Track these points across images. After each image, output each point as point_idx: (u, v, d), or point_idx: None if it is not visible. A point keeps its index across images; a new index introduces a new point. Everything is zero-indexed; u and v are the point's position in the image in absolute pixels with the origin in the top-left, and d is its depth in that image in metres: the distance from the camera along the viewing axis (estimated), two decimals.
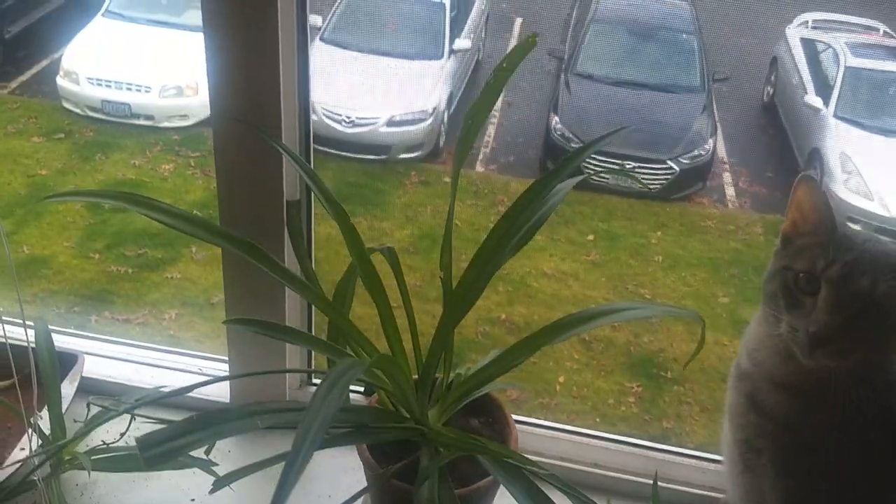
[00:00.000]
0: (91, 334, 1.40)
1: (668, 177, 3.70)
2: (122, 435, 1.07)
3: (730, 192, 3.80)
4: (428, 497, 0.78)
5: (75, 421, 1.13)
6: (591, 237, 3.56)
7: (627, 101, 3.86)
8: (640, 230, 3.65)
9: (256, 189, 1.08)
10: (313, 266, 1.11)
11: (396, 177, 3.72)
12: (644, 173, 3.73)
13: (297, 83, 1.05)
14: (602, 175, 3.61)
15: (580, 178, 0.88)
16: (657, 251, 3.55)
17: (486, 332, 3.11)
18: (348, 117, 3.67)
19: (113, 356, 1.33)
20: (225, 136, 1.06)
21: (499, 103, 4.08)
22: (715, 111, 3.78)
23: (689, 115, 3.77)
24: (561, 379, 2.99)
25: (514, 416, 0.99)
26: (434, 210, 3.53)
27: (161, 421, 1.05)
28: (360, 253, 0.93)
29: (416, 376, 0.94)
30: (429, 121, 3.76)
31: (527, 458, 0.86)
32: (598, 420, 2.84)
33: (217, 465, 0.99)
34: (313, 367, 1.26)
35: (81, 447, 1.09)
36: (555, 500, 0.79)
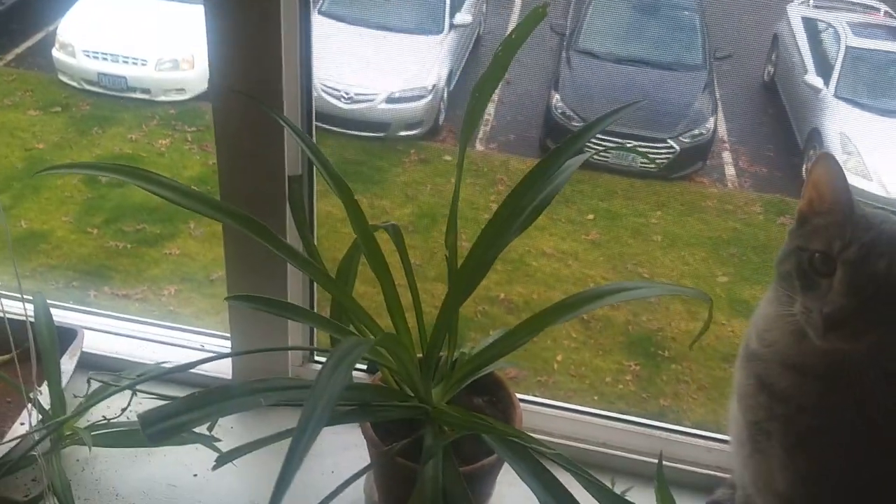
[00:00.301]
0: (91, 309, 1.39)
1: (669, 156, 3.69)
2: (124, 410, 1.06)
3: (730, 171, 3.79)
4: (432, 475, 0.77)
5: (75, 396, 1.13)
6: (590, 216, 3.55)
7: (629, 78, 3.83)
8: (640, 209, 3.64)
9: (257, 164, 1.07)
10: (315, 243, 1.10)
11: (396, 154, 3.70)
12: (644, 152, 3.71)
13: (299, 54, 1.04)
14: (602, 154, 3.60)
15: (586, 156, 0.87)
16: (657, 230, 3.54)
17: (484, 311, 3.10)
18: (347, 93, 3.65)
19: (113, 331, 1.32)
20: (225, 109, 1.04)
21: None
22: (716, 89, 3.76)
23: (691, 94, 3.75)
24: (559, 357, 2.99)
25: (519, 395, 0.98)
26: (433, 188, 3.52)
27: (163, 397, 1.05)
28: (364, 230, 0.92)
29: (420, 355, 0.94)
30: (428, 98, 3.73)
31: (532, 437, 0.86)
32: (595, 398, 2.85)
33: (220, 440, 0.99)
34: (315, 345, 1.26)
35: (82, 422, 1.09)
36: (560, 479, 0.79)
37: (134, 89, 3.71)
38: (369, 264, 0.92)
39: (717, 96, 3.76)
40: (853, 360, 0.72)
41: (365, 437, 0.90)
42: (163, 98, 3.72)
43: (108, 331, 1.32)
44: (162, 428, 0.64)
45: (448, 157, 3.71)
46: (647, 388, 2.90)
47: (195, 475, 1.03)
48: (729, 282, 3.31)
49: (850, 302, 0.70)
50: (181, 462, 1.08)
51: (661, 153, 3.67)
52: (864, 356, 0.72)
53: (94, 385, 1.08)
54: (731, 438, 0.88)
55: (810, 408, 0.76)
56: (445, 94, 3.80)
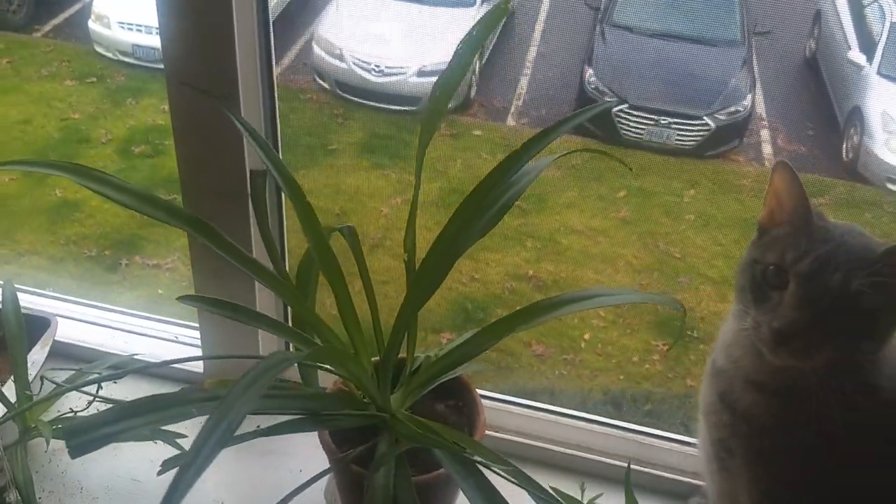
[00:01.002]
0: (66, 297, 1.38)
1: (704, 133, 3.62)
2: (90, 403, 1.06)
3: (767, 149, 3.72)
4: (383, 484, 0.76)
5: (52, 383, 1.11)
6: (622, 194, 3.52)
7: (664, 53, 3.76)
8: (673, 187, 3.59)
9: (217, 157, 1.02)
10: (285, 243, 1.06)
11: None
12: (679, 129, 3.64)
13: (256, 32, 0.99)
14: (636, 130, 3.55)
15: (555, 157, 0.85)
16: (690, 209, 3.50)
17: (513, 287, 3.10)
18: (377, 66, 3.63)
19: (88, 320, 1.31)
20: (179, 97, 0.99)
21: (531, 54, 4.00)
22: (755, 66, 3.67)
23: (728, 70, 3.67)
24: (586, 336, 2.98)
25: (493, 395, 0.97)
26: (464, 163, 3.50)
27: (110, 400, 1.04)
28: (317, 235, 0.89)
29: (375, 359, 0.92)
30: None
31: (486, 451, 0.83)
32: (621, 377, 2.84)
33: (185, 436, 0.98)
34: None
35: (52, 413, 1.08)
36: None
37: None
38: (322, 270, 0.89)
39: (756, 73, 3.67)
40: (808, 376, 0.69)
41: (321, 443, 0.88)
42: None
43: (83, 319, 1.30)
44: (87, 440, 0.64)
45: (478, 132, 3.69)
46: (675, 367, 2.88)
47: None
48: None
49: (802, 316, 0.67)
50: (146, 458, 1.05)
51: (696, 130, 3.60)
52: (819, 373, 0.69)
53: (62, 375, 1.07)
54: (699, 453, 0.86)
55: (770, 426, 0.74)
56: (477, 68, 3.76)
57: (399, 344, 0.89)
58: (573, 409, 2.65)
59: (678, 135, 3.62)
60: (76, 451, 0.62)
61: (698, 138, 3.58)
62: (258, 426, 0.82)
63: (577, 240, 3.31)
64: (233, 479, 1.06)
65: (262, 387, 0.60)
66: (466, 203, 0.83)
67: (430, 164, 3.75)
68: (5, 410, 1.02)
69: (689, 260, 3.30)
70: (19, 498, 0.93)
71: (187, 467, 0.56)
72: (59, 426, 1.04)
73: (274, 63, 1.01)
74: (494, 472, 0.77)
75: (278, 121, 1.06)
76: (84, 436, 0.63)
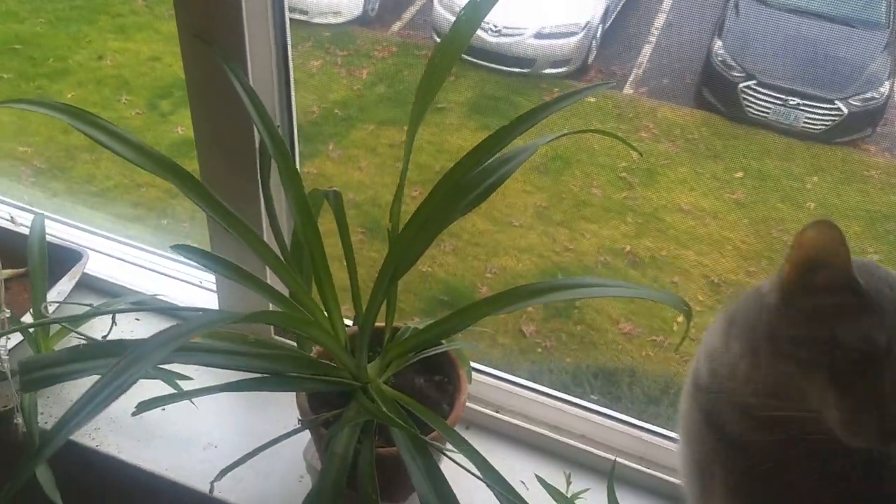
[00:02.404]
0: (101, 232, 1.43)
1: (835, 119, 3.41)
2: (104, 337, 1.12)
3: None
4: (341, 453, 0.77)
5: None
6: (739, 175, 3.38)
7: (800, 31, 3.54)
8: (795, 173, 3.41)
9: (230, 119, 1.00)
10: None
11: (538, 92, 3.63)
12: (808, 112, 3.44)
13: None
14: (762, 109, 3.39)
15: (557, 135, 0.82)
16: (810, 197, 3.33)
17: (606, 261, 3.05)
18: (495, 26, 3.59)
19: (120, 257, 1.37)
20: (192, 53, 0.98)
21: (659, 21, 3.86)
22: None
23: (868, 54, 3.42)
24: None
25: (492, 371, 0.95)
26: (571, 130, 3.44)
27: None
28: (300, 199, 0.89)
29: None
30: (580, 35, 3.61)
31: (453, 433, 0.81)
32: None
33: (190, 378, 1.02)
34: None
35: (70, 342, 1.14)
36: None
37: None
38: (301, 234, 0.89)
39: None
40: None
41: (297, 404, 0.90)
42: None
43: (116, 256, 1.36)
44: (38, 377, 0.67)
45: (592, 99, 3.61)
46: None
47: (163, 409, 1.07)
48: (881, 260, 3.05)
49: None
50: (154, 393, 1.11)
51: (827, 115, 3.39)
52: None
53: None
54: (679, 469, 0.82)
55: (759, 451, 0.69)
56: (599, 33, 3.67)
57: (375, 313, 0.88)
58: (655, 392, 2.59)
59: (806, 118, 3.42)
60: (26, 386, 0.66)
61: (828, 123, 3.37)
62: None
63: (683, 219, 3.21)
64: (228, 426, 1.12)
65: (169, 349, 0.62)
66: (450, 175, 0.82)
67: (536, 129, 3.71)
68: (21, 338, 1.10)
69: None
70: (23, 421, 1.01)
71: (66, 420, 0.58)
72: None
73: (288, 23, 1.02)
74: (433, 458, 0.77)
75: (293, 83, 1.06)
76: (37, 373, 0.68)
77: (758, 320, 0.68)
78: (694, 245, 3.10)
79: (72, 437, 1.11)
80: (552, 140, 0.85)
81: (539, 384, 1.10)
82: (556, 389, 1.09)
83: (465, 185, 0.82)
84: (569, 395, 1.12)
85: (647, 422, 1.07)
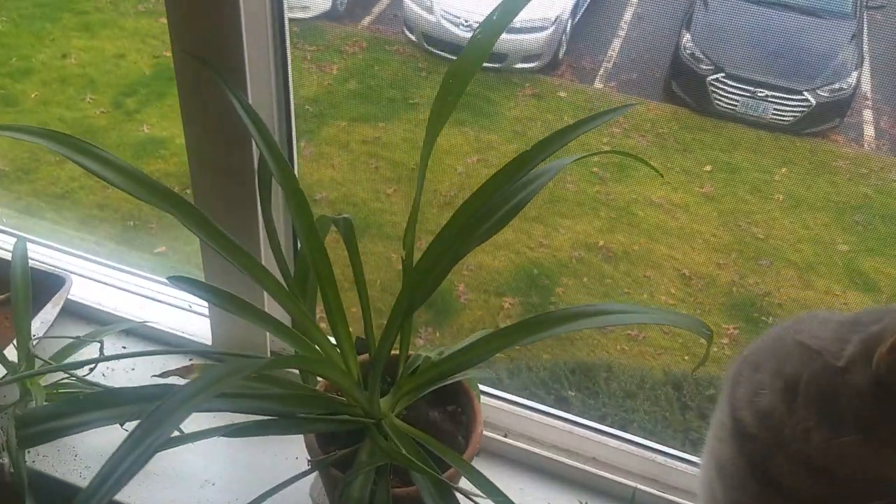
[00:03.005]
0: (86, 255, 1.37)
1: (803, 109, 3.44)
2: (91, 370, 1.07)
3: (869, 131, 3.52)
4: (358, 497, 0.74)
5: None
6: (708, 168, 3.40)
7: (767, 22, 3.56)
8: (763, 165, 3.45)
9: (224, 133, 0.97)
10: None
11: (509, 87, 3.62)
12: (776, 103, 3.47)
13: (269, 16, 0.94)
14: (730, 102, 3.41)
15: (573, 159, 0.80)
16: (779, 189, 3.36)
17: (581, 257, 3.06)
18: (466, 21, 3.57)
19: (104, 281, 1.30)
20: (185, 69, 0.94)
21: (628, 15, 3.86)
22: (864, 42, 3.44)
23: (835, 44, 3.46)
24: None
25: (499, 394, 0.93)
26: (544, 125, 3.44)
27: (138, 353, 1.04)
28: (308, 224, 0.85)
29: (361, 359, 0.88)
30: (549, 30, 3.60)
31: (475, 473, 0.78)
32: (686, 358, 2.78)
33: None
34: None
35: (56, 374, 1.08)
36: None
37: None
38: (311, 262, 0.85)
39: (865, 49, 3.44)
40: None
41: (305, 443, 0.87)
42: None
43: (100, 280, 1.30)
44: (34, 433, 0.63)
45: (563, 94, 3.61)
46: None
47: None
48: (850, 251, 3.12)
49: None
50: None
51: (795, 106, 3.42)
52: None
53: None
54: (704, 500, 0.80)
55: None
56: (569, 27, 3.66)
57: (390, 346, 0.84)
58: (632, 387, 2.58)
59: (775, 109, 3.45)
60: (24, 442, 0.63)
61: (796, 114, 3.40)
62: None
63: (655, 213, 3.23)
64: (226, 461, 1.08)
65: (198, 403, 0.59)
66: (470, 203, 0.79)
67: (510, 125, 3.69)
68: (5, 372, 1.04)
69: (772, 242, 3.18)
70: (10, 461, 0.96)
71: (92, 494, 0.55)
72: (55, 391, 1.04)
73: (287, 31, 0.98)
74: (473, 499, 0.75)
75: (291, 96, 1.03)
76: (33, 427, 0.64)
77: (837, 396, 0.67)
78: (665, 239, 3.13)
79: (59, 476, 1.08)
80: (575, 161, 0.83)
81: (518, 382, 1.08)
82: (534, 386, 1.08)
83: (484, 214, 0.79)
84: (573, 416, 1.10)
85: (660, 444, 1.06)
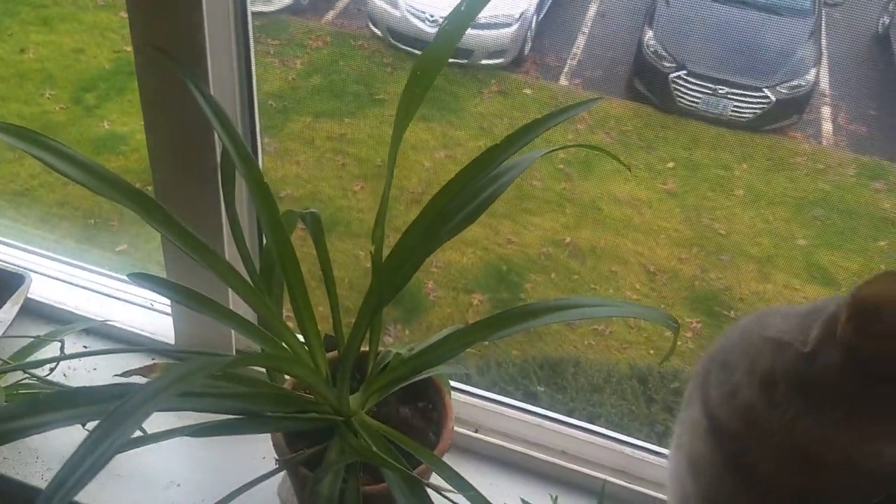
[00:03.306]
0: (46, 253, 1.35)
1: (763, 106, 3.50)
2: (52, 370, 1.05)
3: (826, 127, 3.58)
4: (328, 495, 0.74)
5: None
6: (670, 164, 3.44)
7: (729, 18, 3.61)
8: (724, 161, 3.50)
9: (186, 127, 0.95)
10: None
11: (475, 83, 3.63)
12: (736, 100, 3.51)
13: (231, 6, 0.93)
14: (692, 99, 3.45)
15: (542, 153, 0.81)
16: (739, 185, 3.42)
17: (548, 253, 3.08)
18: (432, 16, 3.56)
19: (65, 279, 1.28)
20: (146, 62, 0.92)
21: (591, 12, 3.89)
22: (823, 39, 3.50)
23: (794, 41, 3.51)
24: None
25: (471, 389, 0.93)
26: (510, 122, 3.44)
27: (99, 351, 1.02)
28: (273, 220, 0.84)
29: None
30: (515, 26, 3.61)
31: (446, 468, 0.77)
32: (651, 352, 2.81)
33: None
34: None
35: (16, 374, 1.05)
36: None
37: None
38: (277, 257, 0.84)
39: (823, 46, 3.50)
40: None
41: (273, 442, 0.86)
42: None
43: (60, 278, 1.28)
44: None
45: (528, 91, 3.62)
46: (706, 345, 2.84)
47: None
48: (808, 245, 3.18)
49: None
50: None
51: (755, 103, 3.47)
52: None
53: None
54: (669, 495, 0.81)
55: (790, 491, 0.69)
56: (534, 23, 3.67)
57: (359, 343, 0.83)
58: (599, 381, 2.60)
59: (735, 106, 3.50)
60: None
61: (756, 111, 3.45)
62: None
63: (620, 209, 3.26)
64: (191, 461, 1.07)
65: (159, 403, 0.57)
66: (440, 197, 0.79)
67: (476, 121, 3.70)
68: None
69: (733, 237, 3.23)
70: None
71: (50, 497, 0.54)
72: (15, 392, 1.01)
73: (250, 23, 0.97)
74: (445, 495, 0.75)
75: (255, 88, 1.01)
76: None
77: (813, 381, 0.68)
78: (630, 234, 3.16)
79: (20, 478, 1.06)
80: (543, 155, 0.83)
81: (488, 378, 1.09)
82: (503, 381, 1.09)
83: (454, 208, 0.79)
84: (543, 409, 1.11)
85: (628, 436, 1.07)
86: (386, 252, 0.84)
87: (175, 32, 0.89)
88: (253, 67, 0.99)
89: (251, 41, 0.98)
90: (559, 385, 2.56)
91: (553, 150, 0.83)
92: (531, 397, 2.43)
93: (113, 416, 0.55)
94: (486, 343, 2.75)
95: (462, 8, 0.79)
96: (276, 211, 0.86)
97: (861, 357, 0.65)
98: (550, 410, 1.09)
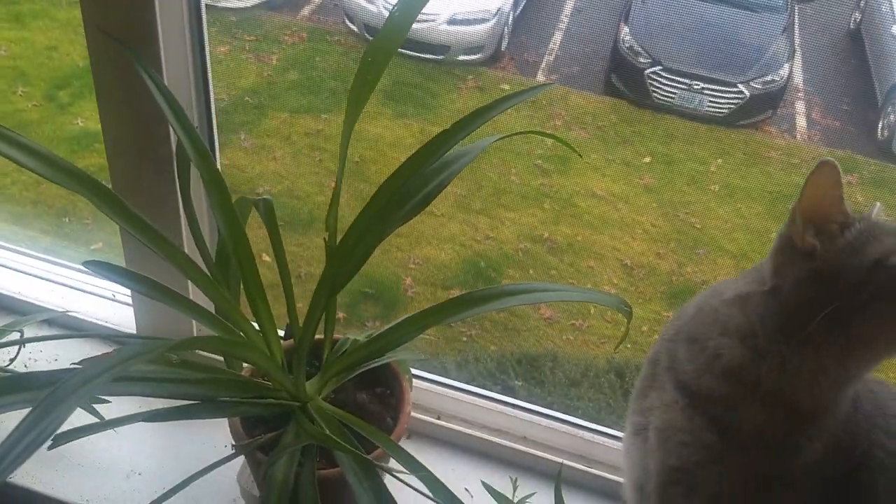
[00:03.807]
0: (6, 245, 1.35)
1: (737, 101, 3.52)
2: (12, 361, 1.05)
3: (801, 122, 3.61)
4: (281, 479, 0.74)
5: None
6: (647, 160, 3.46)
7: (703, 15, 3.63)
8: (699, 156, 3.52)
9: (141, 118, 0.95)
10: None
11: (452, 79, 3.63)
12: (711, 95, 3.53)
13: None
14: (668, 94, 3.46)
15: (494, 139, 0.81)
16: (715, 179, 3.44)
17: (526, 249, 3.08)
18: None
19: (27, 271, 1.29)
20: (99, 49, 0.93)
21: (568, 8, 3.90)
22: (796, 34, 3.53)
23: (767, 37, 3.54)
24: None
25: (432, 377, 0.94)
26: (491, 123, 3.45)
27: (58, 336, 1.01)
28: (226, 209, 0.84)
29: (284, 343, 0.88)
30: (491, 22, 3.61)
31: (401, 452, 0.79)
32: (629, 346, 2.82)
33: (108, 402, 0.96)
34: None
35: None
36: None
37: None
38: (230, 247, 0.85)
39: (797, 42, 3.53)
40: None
41: (230, 427, 0.86)
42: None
43: (22, 270, 1.28)
44: None
45: (506, 87, 3.62)
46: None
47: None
48: None
49: None
50: (70, 423, 1.06)
51: (730, 98, 3.49)
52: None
53: None
54: (625, 481, 0.81)
55: (780, 455, 0.70)
56: (511, 19, 3.68)
57: (314, 328, 0.84)
58: (576, 375, 2.60)
59: (710, 101, 3.52)
60: None
61: (731, 106, 3.48)
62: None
63: (597, 204, 3.27)
64: (152, 450, 1.07)
65: (100, 384, 0.57)
66: (388, 184, 0.79)
67: (454, 117, 3.70)
68: None
69: (709, 231, 3.25)
70: None
71: None
72: None
73: (203, 9, 0.96)
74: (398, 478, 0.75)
75: (210, 76, 1.01)
76: None
77: (788, 311, 0.70)
78: (607, 230, 3.17)
79: None
80: (495, 141, 0.84)
81: (466, 374, 1.09)
82: (481, 377, 1.09)
83: (405, 193, 0.79)
84: (503, 396, 1.11)
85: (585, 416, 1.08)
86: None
87: (126, 18, 0.89)
88: (207, 55, 0.99)
89: (205, 28, 0.98)
90: (537, 379, 2.56)
91: (504, 137, 0.83)
92: (509, 391, 2.43)
93: (53, 395, 0.55)
94: (465, 339, 2.76)
95: None
96: (229, 200, 0.86)
97: (825, 256, 0.67)
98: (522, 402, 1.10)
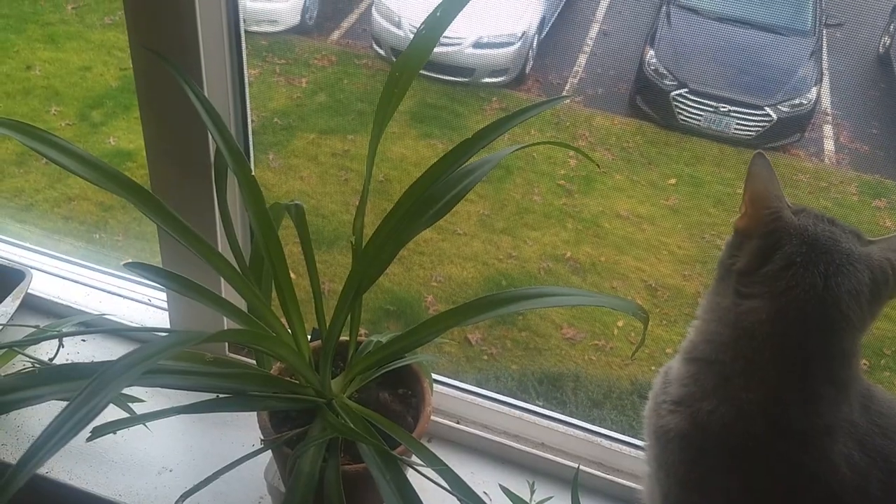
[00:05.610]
0: (46, 251, 1.38)
1: (765, 124, 3.51)
2: (51, 360, 1.08)
3: (829, 146, 3.59)
4: (308, 471, 0.75)
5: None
6: (673, 181, 3.45)
7: (730, 39, 3.64)
8: (726, 178, 3.51)
9: (182, 128, 0.99)
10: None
11: (477, 101, 3.66)
12: (739, 118, 3.54)
13: (224, 8, 0.96)
14: (694, 117, 3.47)
15: (514, 148, 0.83)
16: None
17: (548, 268, 3.08)
18: None
19: (65, 276, 1.32)
20: (143, 65, 0.96)
21: (593, 31, 3.92)
22: (824, 58, 3.53)
23: (795, 60, 3.54)
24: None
25: (453, 382, 0.95)
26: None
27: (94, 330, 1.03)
28: (260, 212, 0.87)
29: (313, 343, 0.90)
30: (517, 45, 3.65)
31: (421, 448, 0.80)
32: (653, 368, 2.79)
33: (142, 401, 0.99)
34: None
35: (18, 364, 1.09)
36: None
37: None
38: (264, 248, 0.87)
39: (825, 66, 3.52)
40: None
41: (259, 423, 0.88)
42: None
43: (60, 275, 1.31)
44: None
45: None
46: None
47: (114, 433, 1.04)
48: None
49: None
50: (104, 419, 1.09)
51: (757, 121, 3.49)
52: None
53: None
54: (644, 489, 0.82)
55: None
56: (535, 43, 3.71)
57: (340, 328, 0.85)
58: (599, 396, 2.59)
59: (737, 124, 3.52)
60: None
61: (758, 129, 3.47)
62: (217, 395, 0.83)
63: (621, 225, 3.27)
64: (184, 448, 1.09)
65: (137, 373, 0.59)
66: (412, 189, 0.81)
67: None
68: None
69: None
70: None
71: (34, 452, 0.55)
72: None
73: (243, 31, 1.00)
74: (421, 473, 0.76)
75: (248, 92, 1.04)
76: None
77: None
78: (632, 250, 3.16)
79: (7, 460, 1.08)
80: (513, 151, 0.86)
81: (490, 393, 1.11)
82: (502, 395, 1.11)
83: (428, 199, 0.81)
84: (522, 402, 1.12)
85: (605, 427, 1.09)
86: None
87: (171, 37, 0.93)
88: (245, 69, 1.03)
89: (244, 43, 1.01)
90: (559, 399, 2.56)
91: (524, 147, 0.85)
92: None
93: (94, 383, 0.57)
94: (486, 357, 2.76)
95: (437, 14, 0.82)
96: (263, 204, 0.88)
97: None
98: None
